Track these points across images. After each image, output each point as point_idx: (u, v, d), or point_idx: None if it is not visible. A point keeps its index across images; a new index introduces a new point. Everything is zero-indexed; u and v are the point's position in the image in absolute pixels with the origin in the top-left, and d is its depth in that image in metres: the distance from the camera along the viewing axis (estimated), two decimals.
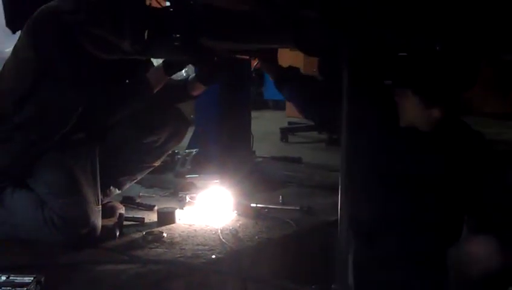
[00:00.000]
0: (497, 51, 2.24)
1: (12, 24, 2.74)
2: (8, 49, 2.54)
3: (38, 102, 2.33)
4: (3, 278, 1.82)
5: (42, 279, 1.84)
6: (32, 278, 1.82)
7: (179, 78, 2.79)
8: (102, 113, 2.45)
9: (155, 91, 2.48)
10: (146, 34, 1.98)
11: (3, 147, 2.44)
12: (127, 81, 2.49)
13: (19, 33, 2.48)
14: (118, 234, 2.43)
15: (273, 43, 2.51)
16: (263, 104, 7.40)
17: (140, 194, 3.06)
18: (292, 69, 2.60)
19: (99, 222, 2.35)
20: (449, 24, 1.91)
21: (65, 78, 2.31)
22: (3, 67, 2.49)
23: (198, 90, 2.68)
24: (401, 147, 2.15)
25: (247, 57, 2.62)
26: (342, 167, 1.86)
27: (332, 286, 1.88)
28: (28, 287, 1.77)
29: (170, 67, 2.46)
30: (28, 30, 2.35)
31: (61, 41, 2.29)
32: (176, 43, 2.10)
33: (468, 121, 2.17)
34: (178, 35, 2.05)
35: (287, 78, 2.58)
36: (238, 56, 2.64)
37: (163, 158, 2.82)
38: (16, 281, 1.80)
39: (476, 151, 2.12)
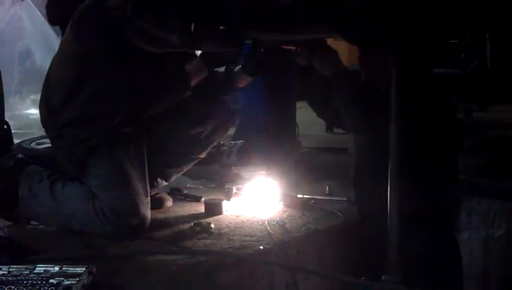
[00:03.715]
0: None
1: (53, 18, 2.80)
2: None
3: (82, 100, 2.36)
4: (57, 268, 1.85)
5: (94, 269, 1.87)
6: (84, 269, 1.84)
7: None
8: (143, 106, 2.47)
9: (193, 84, 2.47)
10: (192, 26, 1.99)
11: (55, 144, 2.49)
12: (166, 74, 2.47)
13: None
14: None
15: (319, 33, 2.48)
16: None
17: (188, 185, 3.08)
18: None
19: (148, 213, 2.38)
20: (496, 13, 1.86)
21: (106, 73, 2.34)
22: (52, 61, 2.54)
23: (244, 81, 2.68)
24: None
25: (294, 48, 2.59)
26: (392, 157, 1.84)
27: (383, 277, 1.87)
28: (81, 278, 1.79)
29: (209, 60, 2.45)
30: (72, 23, 2.39)
31: (101, 34, 2.32)
32: (225, 35, 2.10)
33: None
34: (224, 27, 2.04)
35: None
36: (284, 46, 2.62)
37: (209, 150, 2.83)
38: (69, 271, 1.83)
39: None
